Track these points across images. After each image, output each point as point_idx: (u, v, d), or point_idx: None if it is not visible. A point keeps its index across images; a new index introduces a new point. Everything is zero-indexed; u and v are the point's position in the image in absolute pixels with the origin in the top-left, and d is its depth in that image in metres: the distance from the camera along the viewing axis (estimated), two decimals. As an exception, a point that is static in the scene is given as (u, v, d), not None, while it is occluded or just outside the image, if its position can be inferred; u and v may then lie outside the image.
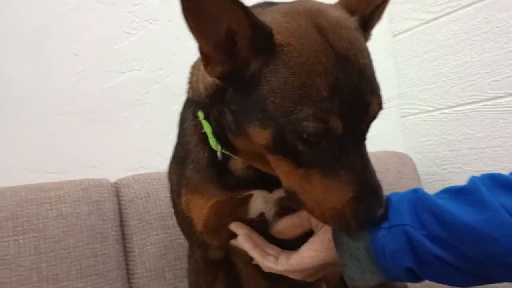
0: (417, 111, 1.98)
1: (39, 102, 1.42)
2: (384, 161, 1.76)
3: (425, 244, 0.65)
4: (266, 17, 0.68)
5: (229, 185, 0.87)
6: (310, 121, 0.64)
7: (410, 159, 1.86)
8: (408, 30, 1.99)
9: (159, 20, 1.60)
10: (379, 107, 0.69)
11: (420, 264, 0.66)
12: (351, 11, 0.74)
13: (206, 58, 0.69)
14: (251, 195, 0.88)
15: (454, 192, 0.68)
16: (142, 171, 1.50)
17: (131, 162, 1.53)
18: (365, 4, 0.75)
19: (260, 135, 0.69)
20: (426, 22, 1.89)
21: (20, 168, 1.39)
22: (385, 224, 0.69)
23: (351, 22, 0.71)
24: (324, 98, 0.63)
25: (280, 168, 0.72)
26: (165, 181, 1.35)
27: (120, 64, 1.53)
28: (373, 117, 0.69)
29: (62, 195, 1.22)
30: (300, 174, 0.69)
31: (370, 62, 0.70)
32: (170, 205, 1.30)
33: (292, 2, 0.76)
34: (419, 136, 1.97)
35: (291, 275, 0.83)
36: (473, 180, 0.67)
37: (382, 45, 2.06)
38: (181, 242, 1.28)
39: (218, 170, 0.86)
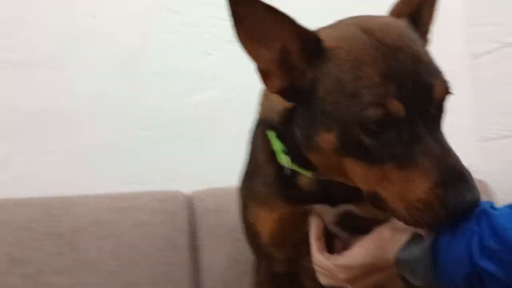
0: (496, 136, 1.91)
1: (126, 118, 1.53)
2: (458, 187, 1.71)
3: (478, 258, 0.63)
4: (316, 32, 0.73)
5: (294, 199, 0.90)
6: (369, 109, 0.64)
7: (487, 186, 1.79)
8: (488, 52, 1.93)
9: (237, 41, 1.67)
10: (445, 90, 0.68)
11: (475, 275, 0.65)
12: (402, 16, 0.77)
13: (263, 75, 0.73)
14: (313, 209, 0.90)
15: None
16: (216, 186, 1.56)
17: (206, 176, 1.59)
18: (413, 6, 0.79)
19: (327, 140, 0.70)
20: (507, 45, 1.83)
21: (103, 177, 1.49)
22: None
23: (401, 22, 0.74)
24: (378, 84, 0.64)
25: (356, 172, 0.70)
26: (236, 196, 1.40)
27: (199, 82, 1.61)
28: (440, 100, 0.67)
29: (140, 205, 1.30)
30: (376, 173, 0.68)
31: (426, 52, 0.71)
32: (239, 219, 1.35)
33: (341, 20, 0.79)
34: (498, 162, 1.89)
35: (338, 274, 0.83)
36: None
37: (459, 68, 2.01)
38: (249, 256, 1.32)
39: (285, 185, 0.89)
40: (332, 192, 0.84)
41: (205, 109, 1.62)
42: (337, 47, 0.69)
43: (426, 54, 0.70)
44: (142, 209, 1.29)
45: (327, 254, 0.88)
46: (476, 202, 0.64)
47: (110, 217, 1.26)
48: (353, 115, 0.65)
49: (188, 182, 1.57)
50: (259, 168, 0.95)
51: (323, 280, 0.89)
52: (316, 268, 0.90)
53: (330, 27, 0.76)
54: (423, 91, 0.65)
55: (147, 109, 1.55)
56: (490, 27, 1.91)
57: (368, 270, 0.80)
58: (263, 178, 0.93)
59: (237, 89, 1.65)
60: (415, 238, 0.72)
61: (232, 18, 0.68)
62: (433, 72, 0.68)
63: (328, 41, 0.70)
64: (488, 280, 0.63)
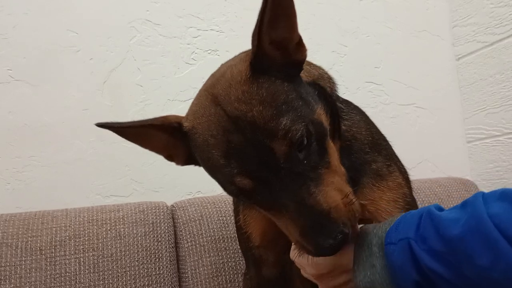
0: (483, 136, 1.90)
1: (108, 131, 1.52)
2: (446, 188, 1.70)
3: (424, 259, 0.63)
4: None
5: None
6: (226, 186, 0.74)
7: (475, 186, 1.78)
8: (472, 53, 1.93)
9: (218, 51, 1.68)
10: (286, 145, 0.69)
11: (424, 279, 0.64)
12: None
13: (168, 158, 0.88)
14: None
15: (459, 206, 0.66)
16: (200, 195, 1.56)
17: (190, 186, 1.59)
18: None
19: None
20: (491, 44, 1.83)
21: (87, 192, 1.49)
22: (394, 238, 0.68)
23: (242, 75, 0.75)
24: (223, 165, 0.72)
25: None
26: (219, 205, 1.39)
27: (180, 92, 1.61)
28: (285, 157, 0.70)
29: (121, 217, 1.29)
30: (270, 215, 0.76)
31: (262, 108, 0.71)
32: (223, 228, 1.34)
33: (211, 74, 0.86)
34: (486, 162, 1.89)
35: (307, 270, 0.84)
36: (478, 193, 0.65)
37: (445, 69, 2.01)
38: (233, 265, 1.31)
39: None
40: None
41: (187, 119, 1.61)
42: (192, 128, 0.78)
43: (263, 113, 0.71)
44: (123, 221, 1.28)
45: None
46: (335, 245, 0.68)
47: (90, 230, 1.24)
48: (223, 186, 0.76)
49: (173, 193, 1.56)
50: None
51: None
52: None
53: (196, 97, 0.83)
54: (265, 157, 0.69)
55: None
56: (473, 27, 1.92)
57: (332, 270, 0.80)
58: None
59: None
60: (361, 262, 0.72)
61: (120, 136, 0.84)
62: (271, 134, 0.69)
63: (187, 122, 0.80)
64: (438, 281, 0.63)
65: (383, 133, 1.01)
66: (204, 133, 0.75)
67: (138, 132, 0.83)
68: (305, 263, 0.83)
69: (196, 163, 0.84)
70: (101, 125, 0.81)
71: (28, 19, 1.50)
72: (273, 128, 0.70)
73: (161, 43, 1.63)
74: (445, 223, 0.63)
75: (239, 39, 1.69)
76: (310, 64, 0.94)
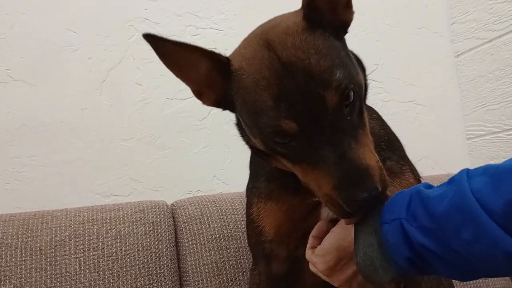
0: (483, 132, 1.90)
1: (107, 130, 1.53)
2: (446, 185, 1.70)
3: (415, 236, 0.66)
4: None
5: (299, 190, 0.90)
6: (268, 127, 0.73)
7: (476, 183, 1.78)
8: (471, 49, 1.93)
9: (217, 49, 1.67)
10: (338, 98, 0.71)
11: (416, 255, 0.67)
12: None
13: (197, 94, 0.85)
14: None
15: (446, 183, 0.68)
16: (200, 194, 1.55)
17: (190, 185, 1.59)
18: None
19: (257, 143, 0.81)
20: (489, 41, 1.83)
21: (87, 191, 1.49)
22: (388, 218, 0.70)
23: (299, 25, 0.77)
24: (271, 107, 0.72)
25: (287, 167, 0.80)
26: (219, 204, 1.39)
27: (179, 91, 1.60)
28: (335, 108, 0.71)
29: (121, 216, 1.29)
30: (297, 169, 0.77)
31: (319, 57, 0.73)
32: (223, 226, 1.34)
33: (260, 25, 0.85)
34: (486, 159, 1.88)
35: (318, 266, 0.84)
36: (463, 170, 0.67)
37: (444, 66, 2.01)
38: (234, 263, 1.31)
39: (288, 178, 0.89)
40: None
41: (186, 118, 1.61)
42: (240, 69, 0.77)
43: (319, 62, 0.73)
44: (123, 220, 1.28)
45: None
46: (369, 198, 0.69)
47: (91, 230, 1.24)
48: (260, 131, 0.76)
49: (173, 192, 1.56)
50: (261, 167, 0.99)
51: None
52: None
53: (245, 38, 0.84)
54: (314, 106, 0.71)
55: (128, 121, 1.55)
56: (472, 24, 1.91)
57: (340, 255, 0.81)
58: (267, 175, 0.97)
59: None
60: (360, 242, 0.74)
61: (157, 55, 0.80)
62: (325, 84, 0.71)
63: (235, 61, 0.79)
64: (429, 256, 0.66)
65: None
66: (255, 74, 0.75)
67: (181, 56, 0.80)
68: (316, 260, 0.85)
69: (225, 106, 0.84)
70: (147, 35, 0.78)
71: (26, 19, 1.49)
72: (328, 78, 0.71)
73: (159, 42, 1.62)
74: (433, 200, 0.65)
75: (238, 37, 1.68)
76: None
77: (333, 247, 0.81)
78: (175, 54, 0.80)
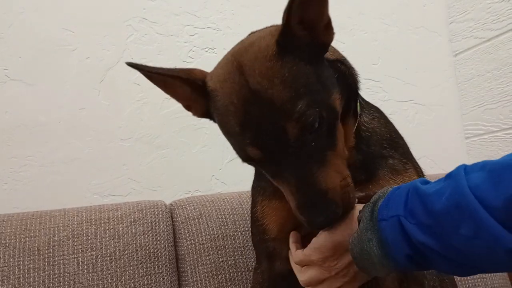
0: (481, 132, 1.90)
1: (105, 129, 1.53)
2: (445, 184, 1.70)
3: (414, 233, 0.66)
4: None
5: None
6: (237, 151, 0.81)
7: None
8: (469, 49, 1.93)
9: (215, 49, 1.68)
10: (299, 130, 0.74)
11: (415, 252, 0.67)
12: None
13: (187, 107, 0.91)
14: None
15: (443, 178, 0.68)
16: (199, 194, 1.55)
17: (188, 185, 1.59)
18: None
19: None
20: (488, 40, 1.83)
21: (85, 191, 1.49)
22: (386, 215, 0.70)
23: (269, 50, 0.78)
24: (237, 133, 0.77)
25: None
26: (217, 203, 1.39)
27: (177, 91, 1.60)
28: (296, 138, 0.74)
29: (119, 216, 1.28)
30: (274, 182, 0.83)
31: (282, 88, 0.74)
32: (222, 226, 1.34)
33: (241, 40, 0.88)
34: (485, 158, 1.87)
35: (312, 257, 0.84)
36: (461, 165, 0.67)
37: (443, 65, 2.01)
38: (232, 263, 1.30)
39: None
40: None
41: (185, 117, 1.60)
42: (215, 90, 0.82)
43: (281, 93, 0.74)
44: (121, 220, 1.27)
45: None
46: (325, 222, 0.76)
47: (89, 230, 1.24)
48: (234, 149, 0.82)
49: (171, 192, 1.56)
50: None
51: (299, 276, 0.90)
52: (293, 264, 0.91)
53: (222, 60, 0.87)
54: (277, 135, 0.74)
55: (126, 120, 1.55)
56: (470, 23, 1.91)
57: (337, 249, 0.81)
58: None
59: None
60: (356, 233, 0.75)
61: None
62: (286, 115, 0.73)
63: (211, 82, 0.83)
64: (429, 253, 0.66)
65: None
66: (225, 98, 0.79)
67: (164, 80, 0.87)
68: (306, 253, 0.85)
69: (212, 119, 0.88)
70: (131, 65, 0.85)
71: (23, 18, 1.49)
72: (289, 110, 0.73)
73: (158, 41, 1.62)
74: (431, 197, 0.66)
75: (236, 37, 1.68)
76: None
77: (331, 241, 0.81)
78: (157, 79, 0.87)
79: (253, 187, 1.06)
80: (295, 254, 0.89)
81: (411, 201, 0.68)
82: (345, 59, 0.95)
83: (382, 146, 0.95)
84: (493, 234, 0.58)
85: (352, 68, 0.95)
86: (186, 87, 0.87)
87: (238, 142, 0.78)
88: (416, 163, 1.01)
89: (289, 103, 0.73)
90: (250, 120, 0.75)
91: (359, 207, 0.79)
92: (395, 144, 0.97)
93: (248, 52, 0.80)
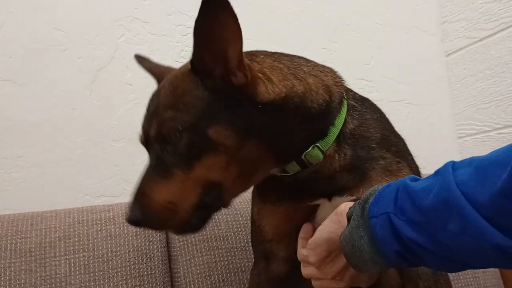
0: (474, 131, 1.91)
1: (97, 130, 1.52)
2: (438, 184, 1.70)
3: (404, 230, 0.66)
4: None
5: (296, 194, 0.94)
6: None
7: (467, 181, 1.79)
8: (462, 48, 1.93)
9: (208, 49, 1.67)
10: (156, 131, 0.84)
11: (405, 248, 0.67)
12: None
13: None
14: (318, 204, 0.93)
15: (432, 175, 0.68)
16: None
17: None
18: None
19: None
20: (480, 40, 1.84)
21: (76, 192, 1.47)
22: (376, 212, 0.71)
23: (188, 67, 0.86)
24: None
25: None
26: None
27: (170, 91, 1.59)
28: (155, 138, 0.85)
29: (112, 217, 1.28)
30: None
31: (170, 96, 0.85)
32: (214, 227, 1.33)
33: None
34: (478, 158, 1.89)
35: (310, 259, 0.86)
36: (449, 162, 0.67)
37: (435, 65, 2.01)
38: (225, 264, 1.30)
39: (284, 181, 0.93)
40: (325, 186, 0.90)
41: (178, 118, 1.60)
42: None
43: (152, 111, 0.87)
44: (113, 221, 1.27)
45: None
46: (131, 220, 0.84)
47: (81, 231, 1.23)
48: None
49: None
50: None
51: (302, 269, 0.91)
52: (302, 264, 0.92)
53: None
54: (148, 127, 0.87)
55: (118, 121, 1.54)
56: (463, 23, 1.92)
57: (331, 248, 0.82)
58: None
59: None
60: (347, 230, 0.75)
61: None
62: (156, 115, 0.85)
63: None
64: (418, 250, 0.66)
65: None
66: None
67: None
68: (304, 253, 0.87)
69: None
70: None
71: (13, 18, 1.47)
72: (160, 112, 0.84)
73: (150, 41, 1.61)
74: (419, 194, 0.66)
75: (229, 37, 1.68)
76: (311, 74, 0.92)
77: (323, 239, 0.82)
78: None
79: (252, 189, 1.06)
80: (299, 251, 0.91)
81: (400, 198, 0.69)
82: (312, 88, 0.90)
83: (370, 147, 0.94)
84: (480, 230, 0.58)
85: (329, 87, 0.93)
86: None
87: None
88: (412, 160, 1.01)
89: (164, 108, 0.84)
90: (146, 111, 0.90)
91: (347, 204, 0.79)
92: (386, 143, 0.96)
93: (172, 73, 0.93)
